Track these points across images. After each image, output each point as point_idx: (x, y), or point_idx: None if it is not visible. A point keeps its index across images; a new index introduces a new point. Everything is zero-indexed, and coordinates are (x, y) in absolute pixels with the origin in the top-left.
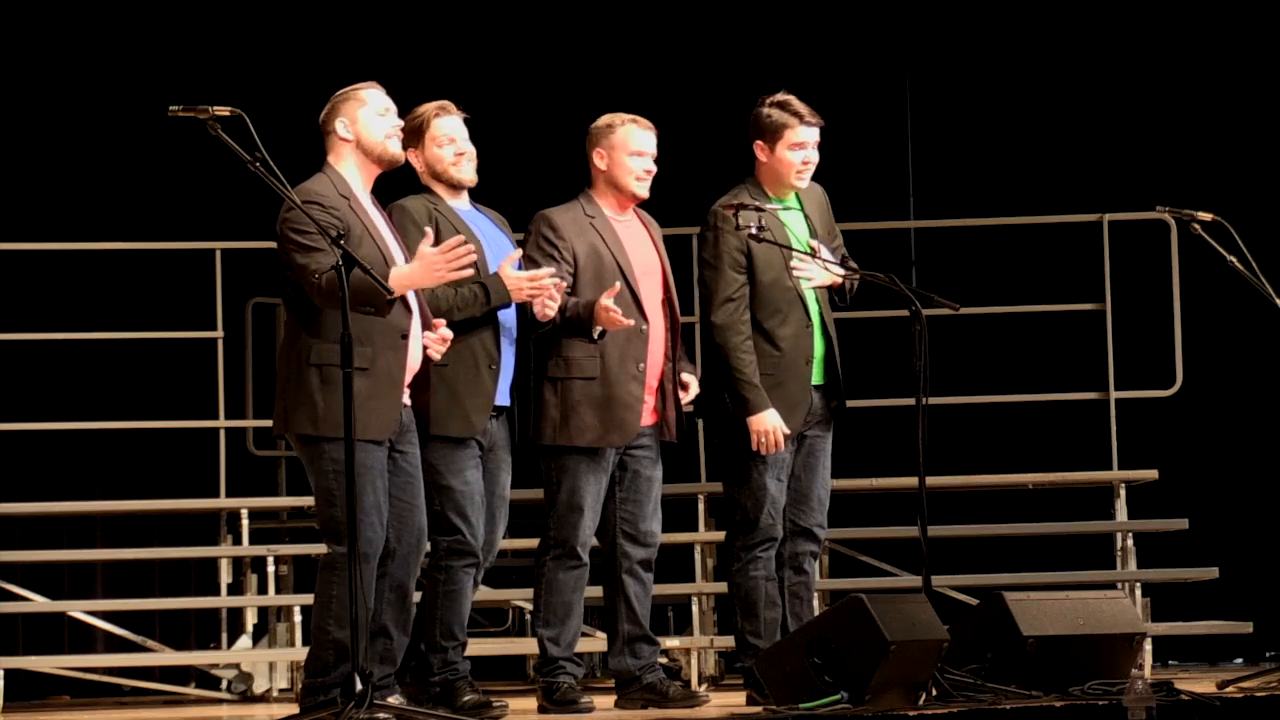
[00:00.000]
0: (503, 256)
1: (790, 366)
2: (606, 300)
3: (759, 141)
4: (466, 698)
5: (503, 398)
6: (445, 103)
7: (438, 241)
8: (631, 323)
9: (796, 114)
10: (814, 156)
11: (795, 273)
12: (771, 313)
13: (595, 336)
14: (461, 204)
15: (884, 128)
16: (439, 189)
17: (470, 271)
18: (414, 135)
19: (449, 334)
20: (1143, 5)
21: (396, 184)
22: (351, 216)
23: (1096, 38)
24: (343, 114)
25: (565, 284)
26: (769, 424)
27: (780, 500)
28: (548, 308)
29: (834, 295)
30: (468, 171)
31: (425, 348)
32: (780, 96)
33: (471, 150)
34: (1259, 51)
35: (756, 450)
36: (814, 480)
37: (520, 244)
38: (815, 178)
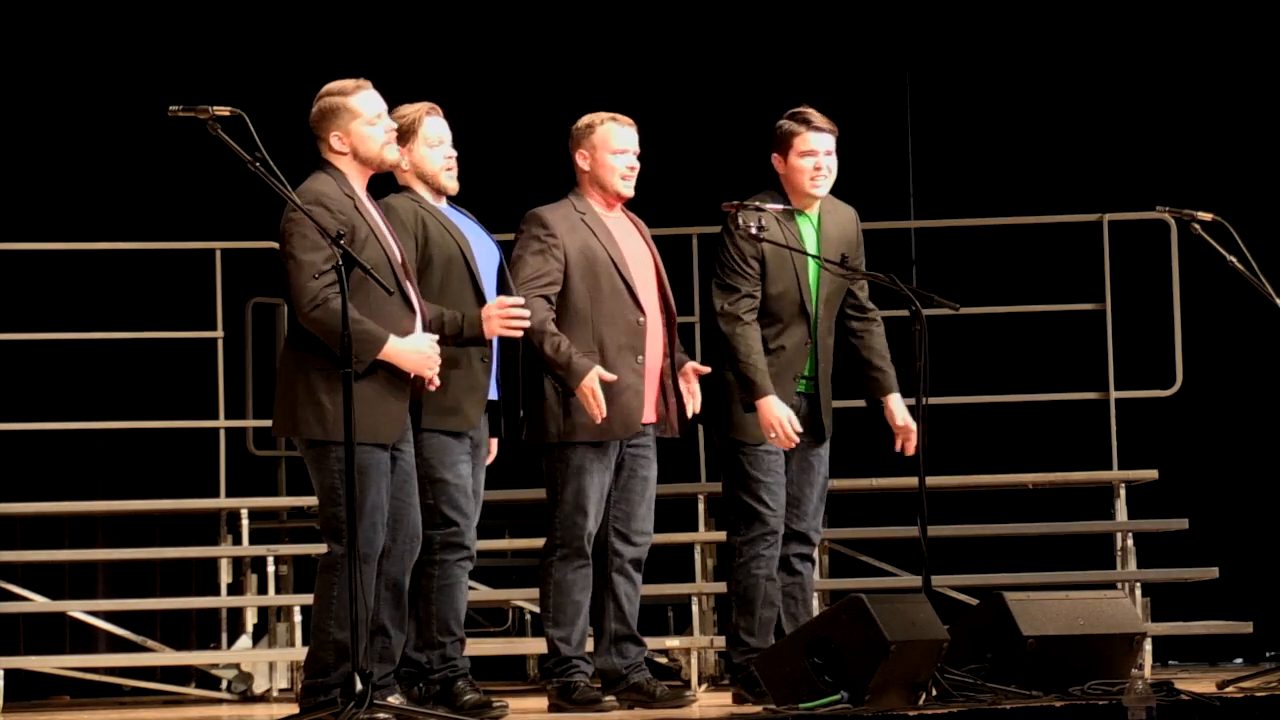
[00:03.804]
0: (486, 255)
1: (779, 378)
2: (593, 385)
3: (775, 154)
4: (467, 697)
5: (492, 390)
6: (433, 105)
7: (426, 237)
8: (602, 416)
9: (805, 121)
10: (826, 163)
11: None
12: (772, 322)
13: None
14: (441, 204)
15: (884, 127)
16: (420, 188)
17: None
18: (402, 135)
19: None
20: (1143, 5)
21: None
22: (357, 217)
23: (1096, 37)
24: (335, 128)
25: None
26: (775, 413)
27: (779, 494)
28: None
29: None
30: (453, 179)
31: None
32: (796, 109)
33: (454, 155)
34: (1259, 51)
35: (766, 439)
36: (807, 484)
37: (506, 244)
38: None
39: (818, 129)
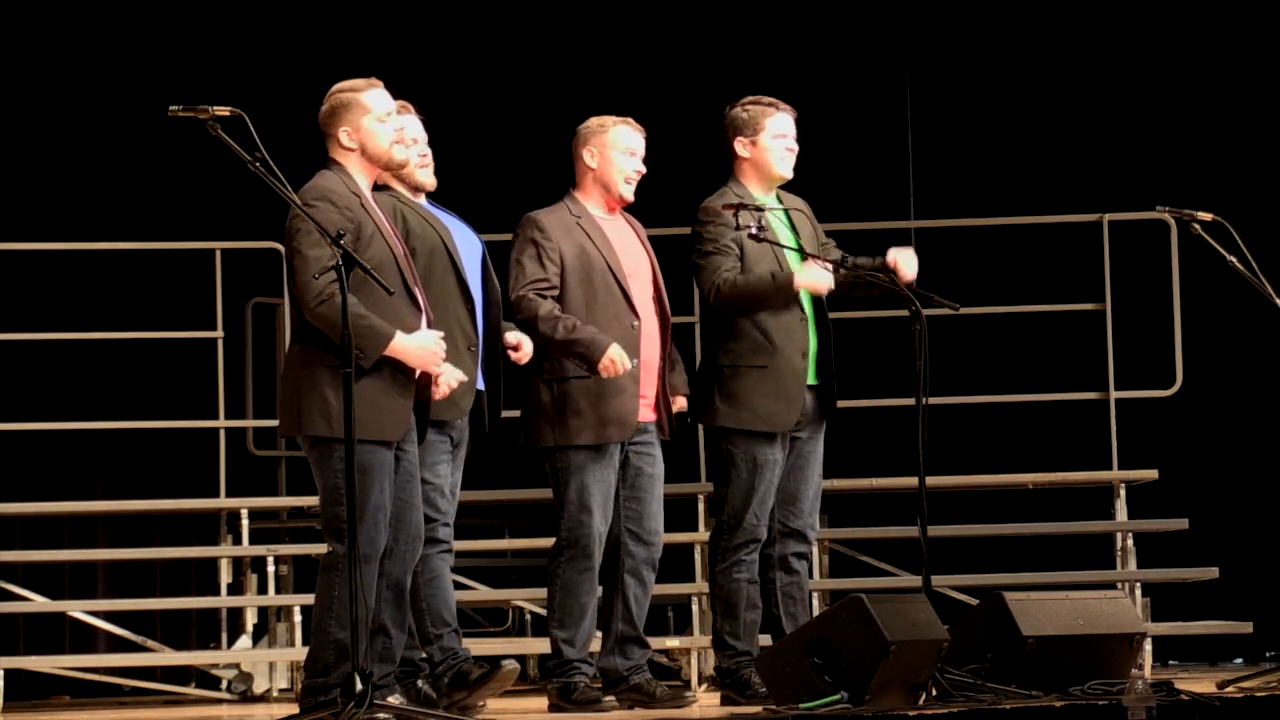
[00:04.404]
0: (469, 248)
1: (785, 361)
2: (613, 359)
3: (740, 138)
4: (476, 674)
5: (478, 380)
6: (405, 102)
7: (406, 230)
8: (630, 366)
9: (772, 104)
10: (795, 145)
11: (799, 286)
12: None
13: (587, 371)
14: (420, 200)
15: (884, 126)
16: (398, 185)
17: (445, 391)
18: None
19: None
20: (1143, 5)
21: None
22: (363, 214)
23: (1096, 37)
24: (345, 122)
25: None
26: (815, 275)
27: (768, 502)
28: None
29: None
30: (429, 176)
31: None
32: (749, 97)
33: (430, 153)
34: (1259, 51)
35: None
36: (802, 481)
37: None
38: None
39: (785, 111)
